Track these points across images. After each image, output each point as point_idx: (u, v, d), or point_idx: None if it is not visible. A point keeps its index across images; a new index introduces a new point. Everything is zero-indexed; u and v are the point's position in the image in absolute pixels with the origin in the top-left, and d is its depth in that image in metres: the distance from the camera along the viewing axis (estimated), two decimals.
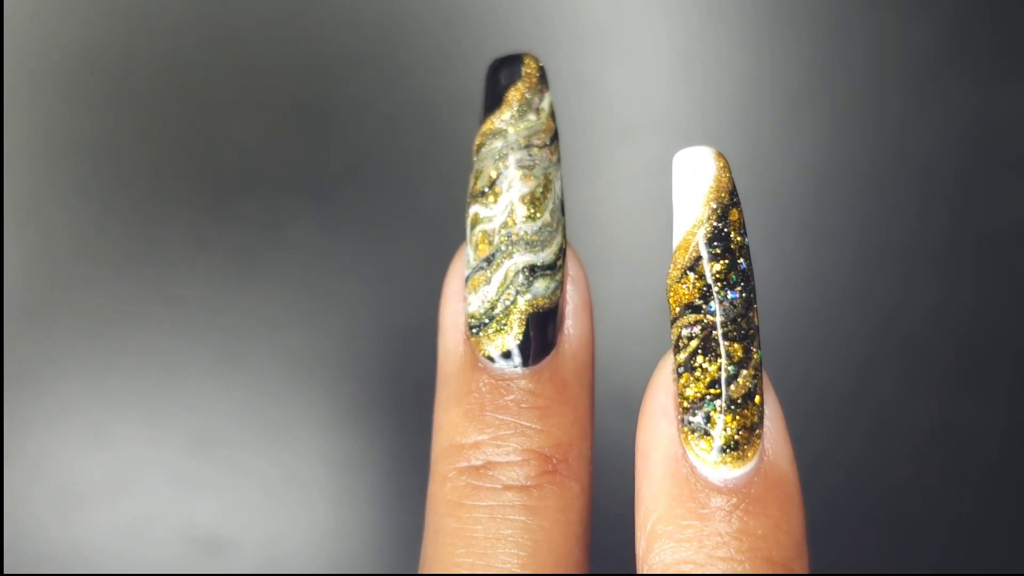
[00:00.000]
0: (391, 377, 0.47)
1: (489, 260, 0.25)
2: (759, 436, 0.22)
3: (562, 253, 0.25)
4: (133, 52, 0.49)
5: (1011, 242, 0.48)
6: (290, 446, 0.47)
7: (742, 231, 0.22)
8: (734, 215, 0.22)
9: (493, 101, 0.25)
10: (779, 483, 0.22)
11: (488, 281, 0.25)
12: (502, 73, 0.26)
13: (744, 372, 0.22)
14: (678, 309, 0.22)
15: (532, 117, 0.25)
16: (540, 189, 0.25)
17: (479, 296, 0.25)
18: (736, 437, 0.22)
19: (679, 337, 0.22)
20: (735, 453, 0.22)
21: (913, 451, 0.47)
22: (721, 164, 0.23)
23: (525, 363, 0.25)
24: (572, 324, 0.25)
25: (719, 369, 0.22)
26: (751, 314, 0.22)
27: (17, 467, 0.47)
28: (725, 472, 0.22)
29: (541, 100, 0.25)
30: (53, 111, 0.49)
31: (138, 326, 0.47)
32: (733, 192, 0.23)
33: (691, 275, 0.22)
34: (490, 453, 0.25)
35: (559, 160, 0.25)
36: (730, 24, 0.49)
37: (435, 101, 0.48)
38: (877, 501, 0.47)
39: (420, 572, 0.25)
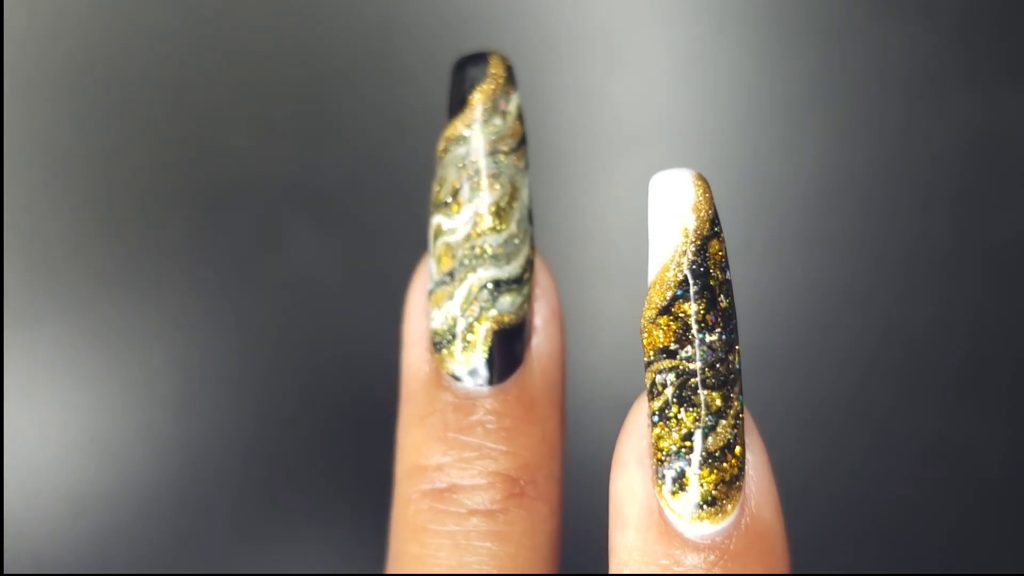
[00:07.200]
0: (392, 388, 0.47)
1: (452, 274, 0.23)
2: (739, 488, 0.20)
3: (529, 265, 0.24)
4: (130, 58, 0.49)
5: (1014, 252, 0.47)
6: (289, 455, 0.47)
7: (723, 265, 0.21)
8: (714, 247, 0.21)
9: (457, 104, 0.24)
10: (761, 535, 0.21)
11: (451, 296, 0.23)
12: (466, 73, 0.24)
13: (723, 422, 0.20)
14: (652, 353, 0.21)
15: (498, 121, 0.24)
16: (506, 199, 0.23)
17: (442, 312, 0.24)
18: (714, 492, 0.20)
19: (653, 383, 0.21)
20: (712, 508, 0.20)
21: (914, 462, 0.47)
22: (701, 189, 0.21)
23: (490, 381, 0.23)
24: (541, 339, 0.24)
25: (696, 420, 0.20)
26: (731, 357, 0.20)
27: (15, 471, 0.46)
28: (702, 528, 0.20)
29: (508, 102, 0.24)
30: (50, 117, 0.49)
31: (136, 333, 0.47)
32: (715, 220, 0.21)
33: (666, 316, 0.21)
34: (454, 476, 0.24)
35: (527, 166, 0.24)
36: (732, 32, 0.48)
37: (436, 108, 0.47)
38: (878, 512, 0.46)
39: None
